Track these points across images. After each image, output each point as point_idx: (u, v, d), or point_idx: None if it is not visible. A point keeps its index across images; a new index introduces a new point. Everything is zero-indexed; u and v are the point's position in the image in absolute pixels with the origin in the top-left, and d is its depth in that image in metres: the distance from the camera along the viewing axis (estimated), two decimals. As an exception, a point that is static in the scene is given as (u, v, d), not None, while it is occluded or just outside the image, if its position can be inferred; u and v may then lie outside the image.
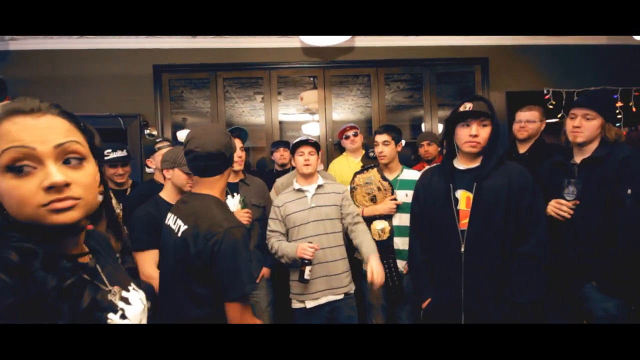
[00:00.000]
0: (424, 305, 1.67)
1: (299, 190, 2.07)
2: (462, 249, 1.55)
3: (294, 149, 2.08)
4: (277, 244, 2.02)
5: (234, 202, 2.24)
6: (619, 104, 3.20)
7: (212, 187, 1.30)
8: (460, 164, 1.64)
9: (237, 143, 2.23)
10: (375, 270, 1.82)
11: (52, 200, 0.55)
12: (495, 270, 1.51)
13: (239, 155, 2.22)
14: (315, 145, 2.06)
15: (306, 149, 2.04)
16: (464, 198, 1.58)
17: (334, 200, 2.06)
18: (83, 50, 3.11)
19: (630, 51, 3.27)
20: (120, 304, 0.69)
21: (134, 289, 0.76)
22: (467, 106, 1.55)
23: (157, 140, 2.50)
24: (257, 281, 2.25)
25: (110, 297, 0.68)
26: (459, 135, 1.58)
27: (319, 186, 2.07)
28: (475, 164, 1.60)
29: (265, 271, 2.27)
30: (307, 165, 2.02)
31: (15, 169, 0.54)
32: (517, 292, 1.48)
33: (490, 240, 1.52)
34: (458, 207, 1.58)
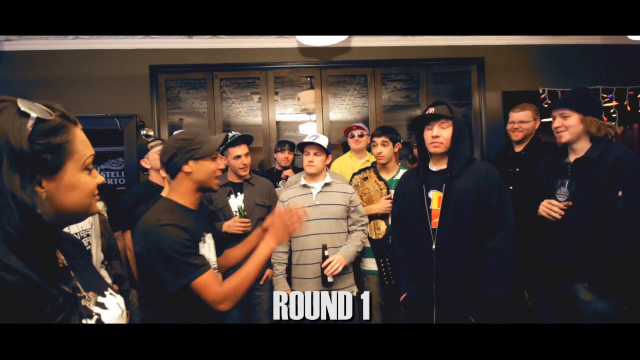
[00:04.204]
0: (401, 299, 1.77)
1: (305, 186, 2.08)
2: (434, 247, 1.62)
3: (301, 148, 2.10)
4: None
5: (236, 204, 2.23)
6: (614, 103, 3.21)
7: (171, 190, 1.33)
8: (433, 166, 1.73)
9: (239, 150, 2.21)
10: (334, 260, 1.88)
11: (97, 194, 0.72)
12: (464, 266, 1.58)
13: (243, 162, 2.21)
14: (320, 146, 2.06)
15: (312, 150, 2.05)
16: (436, 198, 1.67)
17: (341, 200, 2.05)
18: (79, 51, 3.09)
19: (625, 51, 3.29)
20: (96, 309, 0.68)
21: (111, 294, 0.75)
22: (431, 110, 1.66)
23: (150, 140, 2.46)
24: (262, 283, 2.24)
25: (84, 303, 0.67)
26: (426, 137, 1.69)
27: (326, 184, 2.07)
28: (445, 165, 1.69)
29: (269, 273, 2.25)
30: (310, 165, 2.05)
31: (89, 169, 0.70)
32: (484, 288, 1.54)
33: (460, 238, 1.58)
34: (431, 207, 1.67)
